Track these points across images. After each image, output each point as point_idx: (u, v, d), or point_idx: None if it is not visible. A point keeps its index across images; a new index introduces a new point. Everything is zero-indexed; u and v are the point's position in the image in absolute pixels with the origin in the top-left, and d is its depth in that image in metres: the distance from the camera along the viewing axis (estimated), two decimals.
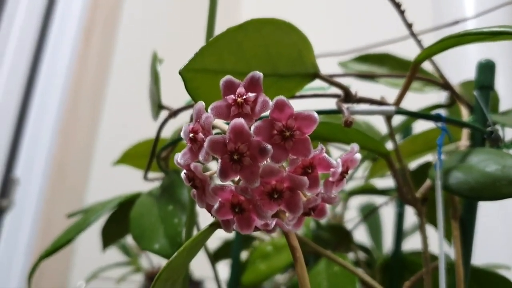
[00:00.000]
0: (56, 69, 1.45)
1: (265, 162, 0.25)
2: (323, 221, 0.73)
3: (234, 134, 0.25)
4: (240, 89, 0.26)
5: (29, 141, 1.37)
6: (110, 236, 0.59)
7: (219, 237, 0.70)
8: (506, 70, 1.29)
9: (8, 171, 1.34)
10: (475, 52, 1.26)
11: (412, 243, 0.64)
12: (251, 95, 0.25)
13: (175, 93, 0.54)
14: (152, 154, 0.47)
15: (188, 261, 0.32)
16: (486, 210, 1.18)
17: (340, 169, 0.26)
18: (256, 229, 0.28)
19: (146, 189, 0.54)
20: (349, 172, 0.28)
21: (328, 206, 0.30)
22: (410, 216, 0.56)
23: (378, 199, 0.82)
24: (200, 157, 0.26)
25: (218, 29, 0.42)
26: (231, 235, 0.63)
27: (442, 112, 0.54)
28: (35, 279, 1.27)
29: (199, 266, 0.86)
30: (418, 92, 0.52)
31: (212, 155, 0.25)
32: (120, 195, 0.55)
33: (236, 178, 0.26)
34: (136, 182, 0.70)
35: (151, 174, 0.55)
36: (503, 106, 0.54)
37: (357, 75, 0.46)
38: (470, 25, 1.15)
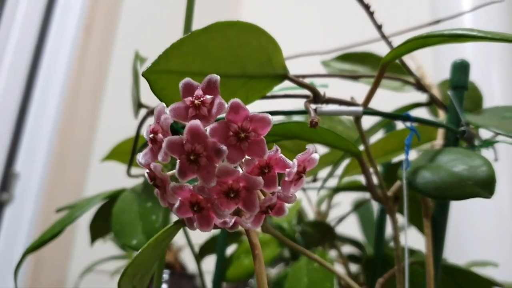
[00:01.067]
0: (56, 64, 1.47)
1: (221, 162, 0.26)
2: (309, 217, 0.74)
3: (190, 135, 0.25)
4: (198, 91, 0.26)
5: (29, 136, 1.39)
6: (97, 231, 0.60)
7: (209, 232, 0.71)
8: (502, 67, 1.29)
9: (8, 166, 1.35)
10: (472, 51, 1.27)
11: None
12: (208, 97, 0.26)
13: None
14: (133, 151, 0.48)
15: (155, 257, 0.32)
16: (480, 208, 1.19)
17: (295, 169, 0.27)
18: (216, 227, 0.29)
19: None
20: (307, 171, 0.28)
21: (288, 205, 0.31)
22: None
23: (368, 195, 0.82)
24: (159, 157, 0.27)
25: None
26: (217, 231, 0.64)
27: (423, 110, 0.54)
28: (35, 272, 1.29)
29: (193, 261, 0.87)
30: (398, 91, 0.53)
31: (170, 155, 0.26)
32: (105, 191, 0.56)
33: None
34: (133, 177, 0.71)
35: (136, 171, 0.56)
36: (498, 103, 0.55)
37: (334, 76, 0.47)
38: (466, 21, 1.14)
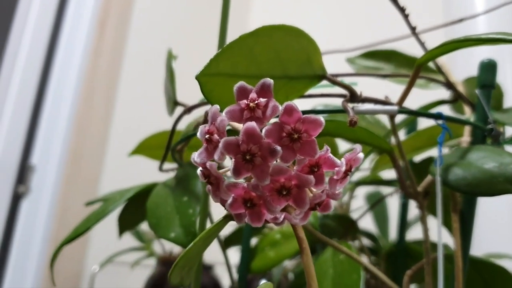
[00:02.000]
0: (71, 59, 1.48)
1: (274, 162, 0.27)
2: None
3: (246, 136, 0.27)
4: (252, 95, 0.28)
5: (45, 129, 1.41)
6: (126, 224, 0.62)
7: (231, 223, 0.72)
8: None
9: (24, 159, 1.37)
10: (486, 49, 1.27)
11: (416, 233, 0.66)
12: (262, 100, 0.28)
13: (188, 87, 0.56)
14: (167, 147, 0.49)
15: (202, 251, 0.34)
16: (493, 203, 1.20)
17: (344, 168, 0.28)
18: (266, 222, 0.30)
19: (157, 179, 0.56)
20: (352, 170, 0.30)
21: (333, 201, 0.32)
22: (415, 206, 0.58)
23: (384, 189, 0.84)
24: (215, 157, 0.28)
25: (229, 30, 0.44)
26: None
27: (446, 108, 0.56)
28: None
29: (210, 251, 0.89)
30: (424, 88, 0.54)
31: (226, 155, 0.28)
32: (137, 185, 0.57)
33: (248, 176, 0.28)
34: (148, 171, 0.73)
35: (165, 166, 0.57)
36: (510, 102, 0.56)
37: (363, 74, 0.48)
38: (479, 23, 1.15)
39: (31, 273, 1.29)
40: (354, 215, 0.69)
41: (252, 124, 0.27)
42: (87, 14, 1.53)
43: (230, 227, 0.73)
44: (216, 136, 0.28)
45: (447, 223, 0.47)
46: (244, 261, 0.62)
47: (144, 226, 0.86)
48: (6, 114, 1.33)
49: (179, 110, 0.49)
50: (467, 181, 0.37)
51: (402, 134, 0.56)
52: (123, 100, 1.59)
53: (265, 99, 0.28)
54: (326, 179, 0.30)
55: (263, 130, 0.27)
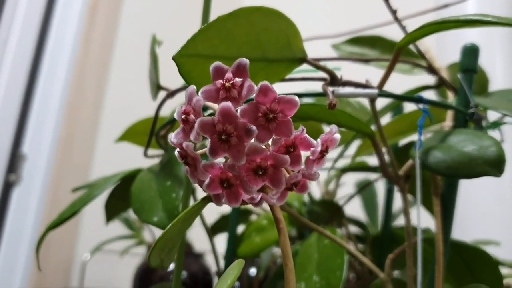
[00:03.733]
0: (61, 47, 1.47)
1: (250, 141, 0.27)
2: (317, 196, 0.76)
3: (222, 116, 0.27)
4: (228, 75, 0.28)
5: (36, 117, 1.40)
6: (113, 210, 0.62)
7: (217, 211, 0.73)
8: (505, 51, 1.30)
9: (15, 147, 1.37)
10: (475, 34, 1.28)
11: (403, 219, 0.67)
12: (238, 80, 0.28)
13: (173, 73, 0.56)
14: (151, 132, 0.49)
15: (182, 232, 0.34)
16: (481, 190, 1.21)
17: (319, 148, 0.29)
18: (244, 202, 0.30)
19: (147, 165, 0.56)
20: (329, 150, 0.30)
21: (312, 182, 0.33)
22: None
23: (373, 176, 0.84)
24: (191, 137, 0.28)
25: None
26: (228, 210, 0.66)
27: (431, 93, 0.56)
28: (43, 251, 1.31)
29: (200, 239, 0.90)
30: (407, 74, 0.54)
31: (202, 135, 0.28)
32: (122, 170, 0.58)
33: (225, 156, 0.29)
34: (139, 158, 0.73)
35: (151, 151, 0.58)
36: (501, 85, 0.56)
37: (346, 59, 0.48)
38: (469, 9, 1.15)
39: (21, 261, 1.30)
40: (342, 202, 0.70)
41: (228, 104, 0.27)
42: (78, 1, 1.52)
43: (217, 215, 0.73)
44: (192, 117, 0.28)
45: (429, 207, 0.48)
46: (230, 247, 0.63)
47: (133, 214, 0.86)
48: None
49: (163, 94, 0.49)
50: (446, 163, 0.37)
51: (388, 119, 0.56)
52: (114, 87, 1.58)
53: (240, 79, 0.28)
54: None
55: (239, 110, 0.27)
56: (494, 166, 0.36)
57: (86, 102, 1.46)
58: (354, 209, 0.82)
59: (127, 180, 0.58)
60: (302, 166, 0.30)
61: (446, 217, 0.43)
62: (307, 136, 0.29)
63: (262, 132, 0.27)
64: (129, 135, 0.63)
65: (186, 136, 0.29)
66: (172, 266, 0.85)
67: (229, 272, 0.27)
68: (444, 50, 1.19)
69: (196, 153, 0.29)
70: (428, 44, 0.61)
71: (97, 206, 0.65)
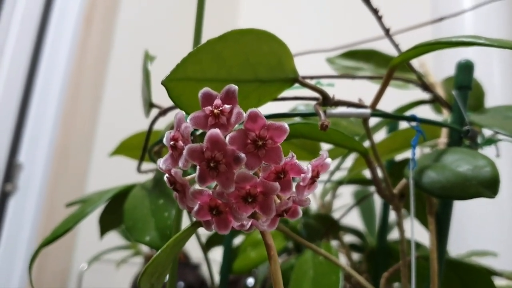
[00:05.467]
0: (57, 55, 1.47)
1: (240, 169, 0.27)
2: (313, 210, 0.75)
3: (210, 143, 0.26)
4: (217, 101, 0.28)
5: (32, 127, 1.40)
6: (106, 225, 0.62)
7: None
8: (503, 65, 1.30)
9: (12, 157, 1.36)
10: (473, 49, 1.27)
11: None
12: (227, 106, 0.27)
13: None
14: (144, 149, 0.49)
15: (171, 257, 0.34)
16: (480, 200, 1.21)
17: (310, 175, 0.28)
18: (233, 229, 0.30)
19: (143, 177, 0.56)
20: (320, 175, 0.29)
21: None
22: None
23: (371, 187, 0.84)
24: (180, 164, 0.28)
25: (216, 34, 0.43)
26: None
27: (427, 108, 0.55)
28: (40, 262, 1.31)
29: (197, 250, 0.89)
30: (402, 88, 0.54)
31: (190, 162, 0.27)
32: (116, 186, 0.57)
33: (214, 183, 0.28)
34: (134, 169, 0.73)
35: (145, 166, 0.57)
36: (499, 100, 0.56)
37: (339, 77, 0.48)
38: (467, 21, 1.15)
39: (17, 271, 1.29)
40: (339, 214, 0.69)
41: (216, 131, 0.26)
42: (73, 10, 1.51)
43: None
44: (180, 143, 0.28)
45: (425, 223, 0.47)
46: (225, 261, 0.62)
47: None
48: None
49: (156, 111, 0.48)
50: (440, 184, 0.37)
51: (383, 134, 0.56)
52: (110, 97, 1.58)
53: (229, 106, 0.27)
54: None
55: (227, 137, 0.27)
56: (489, 187, 0.35)
57: (82, 112, 1.46)
58: (352, 218, 0.82)
59: (121, 195, 0.58)
60: (293, 190, 0.29)
61: (441, 235, 0.43)
62: (297, 162, 0.28)
63: (251, 159, 0.27)
64: (123, 149, 0.63)
65: (174, 162, 0.29)
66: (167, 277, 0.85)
67: None
68: (441, 62, 1.19)
69: (184, 179, 0.29)
70: (424, 58, 0.61)
71: (94, 217, 0.65)
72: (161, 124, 0.52)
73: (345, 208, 0.73)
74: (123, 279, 1.09)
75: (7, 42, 1.37)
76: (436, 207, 0.43)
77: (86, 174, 1.46)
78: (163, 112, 0.45)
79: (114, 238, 1.07)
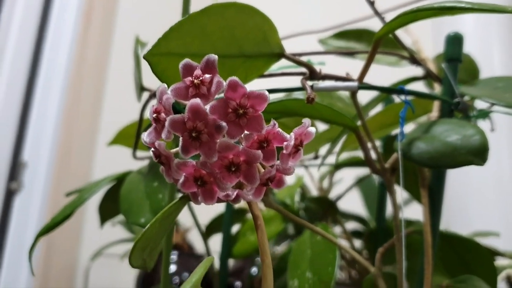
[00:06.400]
0: (58, 52, 1.48)
1: (222, 138, 0.27)
2: (312, 193, 0.75)
3: (192, 113, 0.27)
4: (197, 71, 0.28)
5: (34, 125, 1.41)
6: (106, 213, 0.62)
7: (214, 212, 0.72)
8: (502, 40, 1.29)
9: (16, 155, 1.37)
10: (472, 24, 1.27)
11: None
12: (207, 76, 0.27)
13: None
14: (137, 135, 0.49)
15: (163, 231, 0.34)
16: (482, 180, 1.20)
17: (292, 142, 0.28)
18: (219, 200, 0.30)
19: None
20: (304, 144, 0.30)
21: (290, 181, 0.32)
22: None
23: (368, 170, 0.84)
24: (163, 135, 0.28)
25: None
26: (222, 210, 0.66)
27: (420, 84, 0.55)
28: (45, 257, 1.31)
29: (201, 241, 0.89)
30: (395, 66, 0.54)
31: (173, 133, 0.28)
32: (112, 173, 0.58)
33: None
34: (137, 162, 0.73)
35: (142, 153, 0.57)
36: (498, 74, 0.56)
37: (330, 53, 0.48)
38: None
39: (25, 268, 1.30)
40: (341, 199, 0.69)
41: (197, 100, 0.27)
42: (72, 5, 1.52)
43: (212, 216, 0.73)
44: (163, 115, 0.28)
45: (419, 198, 0.47)
46: (225, 247, 0.63)
47: None
48: None
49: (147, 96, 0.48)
50: (429, 154, 0.37)
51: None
52: (112, 92, 1.58)
53: (209, 75, 0.28)
54: None
55: (208, 107, 0.27)
56: (478, 155, 0.35)
57: (84, 108, 1.46)
58: (356, 205, 0.82)
59: (119, 183, 0.58)
60: (278, 162, 0.29)
61: (434, 208, 0.43)
62: (280, 130, 0.29)
63: (233, 128, 0.27)
64: (121, 138, 0.63)
65: (158, 135, 0.29)
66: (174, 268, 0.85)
67: (196, 271, 0.27)
68: (440, 41, 1.18)
69: (169, 151, 0.29)
70: (418, 35, 0.60)
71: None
72: None
73: (347, 193, 0.72)
74: (129, 272, 1.10)
75: (7, 41, 1.38)
76: (428, 180, 0.43)
77: (90, 170, 1.46)
78: (153, 94, 0.46)
79: (118, 231, 1.08)
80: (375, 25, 0.57)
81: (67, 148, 1.41)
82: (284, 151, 0.29)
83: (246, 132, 0.28)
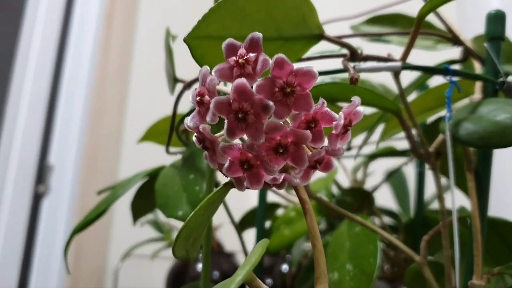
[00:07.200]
0: (81, 55, 1.49)
1: (268, 119, 0.26)
2: (346, 185, 0.74)
3: (237, 94, 0.26)
4: (241, 51, 0.27)
5: (60, 128, 1.42)
6: (139, 210, 0.62)
7: (245, 207, 0.72)
8: None
9: (42, 158, 1.39)
10: (498, 6, 1.23)
11: (436, 204, 0.64)
12: (252, 55, 0.26)
13: (190, 67, 0.55)
14: (171, 128, 0.49)
15: (206, 220, 0.33)
16: None
17: (342, 122, 0.27)
18: (266, 184, 0.29)
19: None
20: (353, 124, 0.28)
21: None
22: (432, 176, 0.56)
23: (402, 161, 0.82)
24: (208, 118, 0.27)
25: None
26: (255, 204, 0.65)
27: (457, 67, 0.54)
28: (76, 260, 1.32)
29: (230, 239, 0.89)
30: (431, 49, 0.52)
31: (218, 115, 0.27)
32: (145, 169, 0.57)
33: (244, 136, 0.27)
34: (165, 159, 0.73)
35: (173, 149, 0.57)
36: None
37: (366, 35, 0.47)
38: None
39: (55, 270, 1.31)
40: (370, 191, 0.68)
41: (242, 80, 0.26)
42: (94, 8, 1.53)
43: (242, 212, 0.72)
44: (207, 98, 0.27)
45: (462, 186, 0.46)
46: (259, 240, 0.61)
47: (162, 216, 0.86)
48: (21, 117, 1.34)
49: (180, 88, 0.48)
50: (478, 134, 0.36)
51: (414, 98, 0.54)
52: (136, 90, 1.59)
53: (254, 54, 0.27)
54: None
55: (254, 86, 0.26)
56: None
57: (109, 108, 1.47)
58: (386, 200, 0.80)
59: (152, 179, 0.58)
60: (326, 143, 0.28)
61: (481, 192, 0.41)
62: (328, 109, 0.27)
63: (280, 107, 0.26)
64: (151, 135, 0.63)
65: (202, 118, 0.28)
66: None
67: (254, 251, 0.26)
68: (465, 26, 1.16)
69: (213, 136, 0.28)
70: (451, 20, 0.59)
71: (127, 214, 0.65)
72: (186, 106, 0.52)
73: (379, 186, 0.71)
74: (159, 273, 1.10)
75: (31, 45, 1.40)
76: (474, 163, 0.41)
77: (116, 170, 1.47)
78: (188, 85, 0.45)
79: (148, 231, 1.08)
80: (408, 9, 0.56)
81: (93, 149, 1.42)
82: (334, 131, 0.28)
83: (293, 111, 0.27)
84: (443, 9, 0.45)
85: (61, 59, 1.48)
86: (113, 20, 1.52)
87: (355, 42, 0.49)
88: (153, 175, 0.56)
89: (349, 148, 0.65)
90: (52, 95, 1.44)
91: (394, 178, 0.82)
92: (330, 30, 0.52)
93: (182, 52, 0.52)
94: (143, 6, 1.67)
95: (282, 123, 0.26)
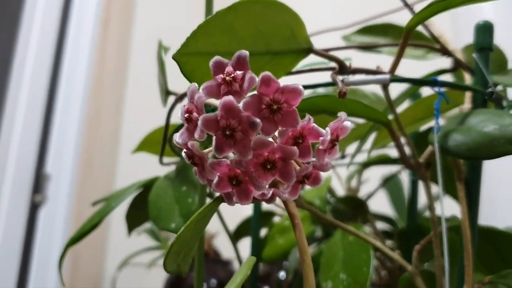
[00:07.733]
0: (77, 63, 1.49)
1: (256, 135, 0.26)
2: (340, 193, 0.74)
3: (224, 111, 0.26)
4: (228, 68, 0.27)
5: (56, 137, 1.42)
6: (133, 221, 0.62)
7: (238, 216, 0.72)
8: None
9: (39, 168, 1.39)
10: (491, 15, 1.24)
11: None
12: (239, 73, 0.27)
13: (183, 79, 0.55)
14: (164, 139, 0.49)
15: (197, 234, 0.33)
16: (510, 172, 1.17)
17: (329, 137, 0.27)
18: (255, 199, 0.29)
19: None
20: (340, 139, 0.29)
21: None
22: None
23: (396, 169, 0.82)
24: (196, 135, 0.27)
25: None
26: (250, 213, 0.65)
27: (447, 77, 0.54)
28: (72, 268, 1.31)
29: (227, 247, 0.89)
30: (421, 59, 0.53)
31: (206, 132, 0.27)
32: (139, 180, 0.57)
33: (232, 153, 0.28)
34: (161, 169, 0.73)
35: (168, 159, 0.57)
36: None
37: (355, 47, 0.47)
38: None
39: (52, 279, 1.31)
40: (365, 198, 0.68)
41: (229, 98, 0.26)
42: (90, 14, 1.53)
43: (238, 221, 0.73)
44: (195, 114, 0.28)
45: (453, 193, 0.46)
46: (254, 250, 0.62)
47: None
48: (18, 126, 1.34)
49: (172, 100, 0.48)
50: (467, 146, 0.36)
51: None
52: (132, 99, 1.59)
53: (241, 72, 0.27)
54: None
55: (241, 104, 0.26)
56: None
57: (105, 118, 1.47)
58: (382, 205, 0.81)
59: (146, 190, 0.58)
60: (313, 158, 0.29)
61: (472, 202, 0.41)
62: (315, 125, 0.28)
63: (267, 124, 0.26)
64: (146, 145, 0.63)
65: (190, 135, 0.28)
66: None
67: (239, 271, 0.26)
68: (460, 35, 1.16)
69: (202, 152, 0.29)
70: (442, 29, 0.59)
71: (123, 221, 0.65)
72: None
73: (374, 193, 0.71)
74: (156, 281, 1.10)
75: (27, 56, 1.40)
76: (464, 173, 0.42)
77: (113, 180, 1.47)
78: (180, 97, 0.45)
79: (144, 240, 1.08)
80: (399, 20, 0.56)
81: (90, 158, 1.42)
82: (321, 147, 0.28)
83: (280, 128, 0.27)
84: (436, 20, 0.46)
85: (57, 67, 1.48)
86: (109, 27, 1.52)
87: (345, 51, 0.50)
88: (148, 186, 0.56)
89: (343, 157, 0.65)
90: (49, 104, 1.44)
91: (390, 184, 0.82)
92: (321, 40, 0.52)
93: (175, 64, 0.53)
94: (139, 12, 1.67)
95: (270, 139, 0.27)
